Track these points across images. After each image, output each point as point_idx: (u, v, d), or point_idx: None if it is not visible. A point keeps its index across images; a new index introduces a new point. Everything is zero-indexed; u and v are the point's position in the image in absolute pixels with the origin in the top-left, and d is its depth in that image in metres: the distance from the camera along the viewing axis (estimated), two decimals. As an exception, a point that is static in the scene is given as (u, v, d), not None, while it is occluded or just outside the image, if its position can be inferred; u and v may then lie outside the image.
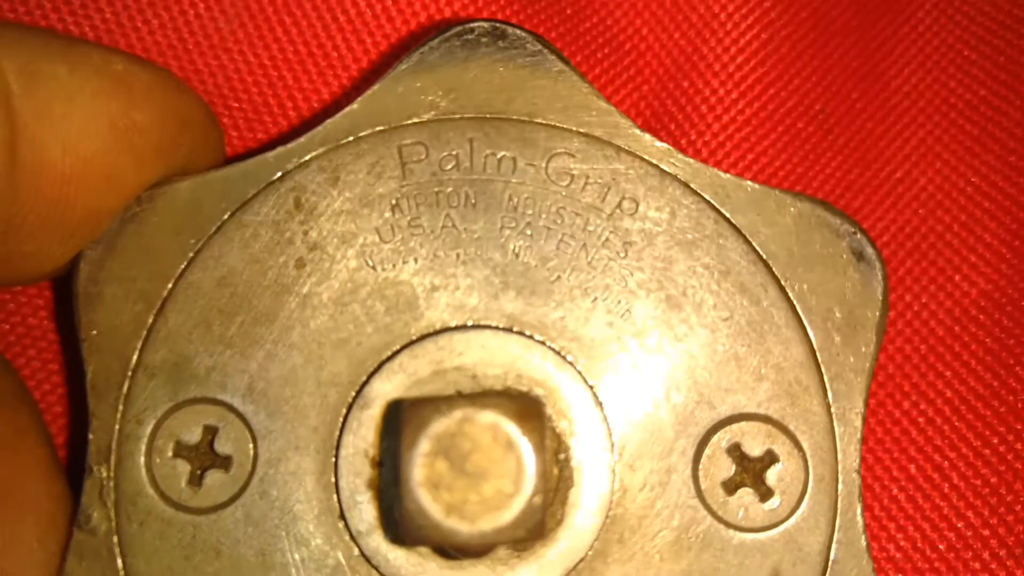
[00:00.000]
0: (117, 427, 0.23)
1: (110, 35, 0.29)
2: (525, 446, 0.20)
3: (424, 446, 0.20)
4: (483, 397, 0.21)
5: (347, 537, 0.23)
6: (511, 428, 0.20)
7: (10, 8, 0.28)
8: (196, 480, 0.23)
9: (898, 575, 0.28)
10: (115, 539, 0.23)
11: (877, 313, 0.23)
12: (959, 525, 0.28)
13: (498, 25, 0.24)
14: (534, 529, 0.20)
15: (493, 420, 0.20)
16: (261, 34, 0.29)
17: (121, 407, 0.23)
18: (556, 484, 0.23)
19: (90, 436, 0.23)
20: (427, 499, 0.20)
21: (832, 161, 0.32)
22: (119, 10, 0.29)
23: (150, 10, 0.29)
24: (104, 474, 0.23)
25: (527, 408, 0.21)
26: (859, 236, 0.24)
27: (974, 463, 0.28)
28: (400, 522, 0.20)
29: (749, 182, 0.24)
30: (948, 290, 0.30)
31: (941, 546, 0.28)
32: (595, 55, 0.31)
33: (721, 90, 0.31)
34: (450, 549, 0.21)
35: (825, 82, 0.32)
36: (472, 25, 0.24)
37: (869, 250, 0.24)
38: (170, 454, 0.23)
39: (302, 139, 0.24)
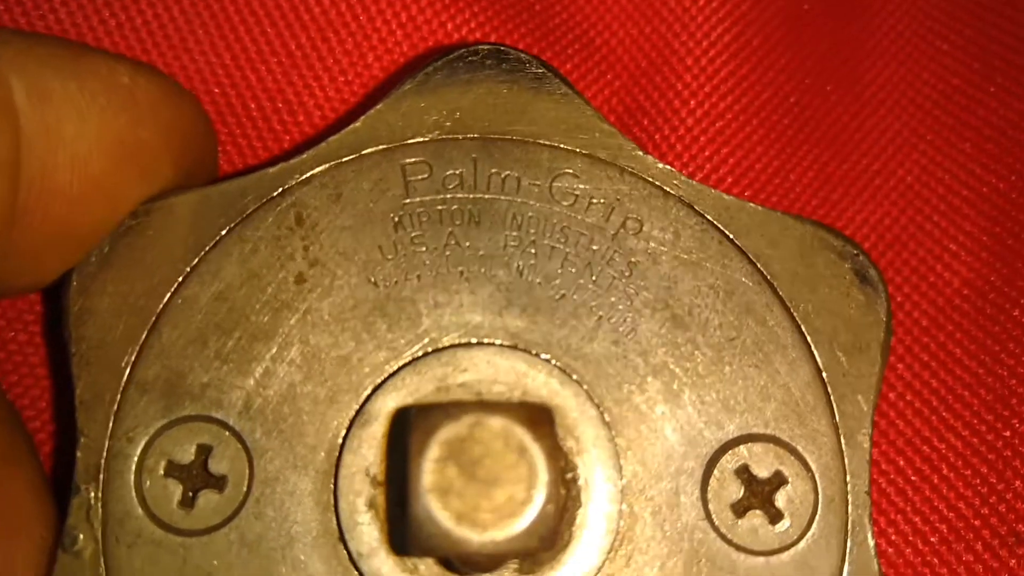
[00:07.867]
0: (106, 445, 0.22)
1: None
2: (537, 452, 0.20)
3: (434, 451, 0.19)
4: (493, 404, 0.20)
5: (346, 560, 0.22)
6: (523, 433, 0.20)
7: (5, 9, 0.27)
8: (188, 501, 0.22)
9: (891, 569, 0.27)
10: (102, 562, 0.22)
11: (881, 334, 0.23)
12: (951, 516, 0.27)
13: (501, 48, 0.25)
14: (547, 538, 0.19)
15: (504, 425, 0.20)
16: (262, 50, 0.29)
17: (111, 424, 0.22)
18: (564, 504, 0.22)
19: (78, 454, 0.22)
20: (437, 506, 0.19)
21: (808, 155, 0.31)
22: (112, 28, 0.28)
23: (139, 17, 0.29)
24: (91, 494, 0.22)
25: (538, 415, 0.20)
26: (861, 258, 0.24)
27: (963, 453, 0.28)
28: (408, 532, 0.20)
29: (752, 204, 0.24)
30: (931, 280, 0.30)
31: (933, 539, 0.27)
32: (565, 51, 0.31)
33: (694, 84, 0.31)
34: (457, 562, 0.21)
35: (799, 75, 0.32)
36: (476, 48, 0.24)
37: (872, 272, 0.24)
38: (161, 473, 0.22)
39: (304, 155, 0.24)
